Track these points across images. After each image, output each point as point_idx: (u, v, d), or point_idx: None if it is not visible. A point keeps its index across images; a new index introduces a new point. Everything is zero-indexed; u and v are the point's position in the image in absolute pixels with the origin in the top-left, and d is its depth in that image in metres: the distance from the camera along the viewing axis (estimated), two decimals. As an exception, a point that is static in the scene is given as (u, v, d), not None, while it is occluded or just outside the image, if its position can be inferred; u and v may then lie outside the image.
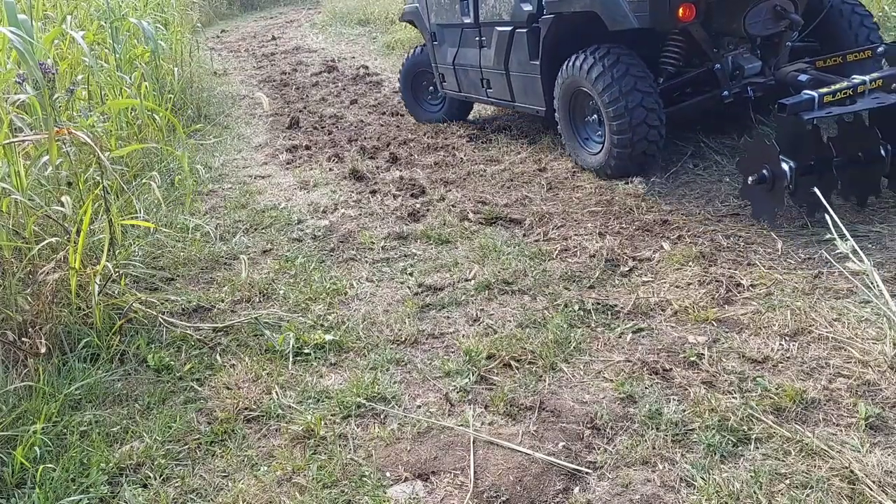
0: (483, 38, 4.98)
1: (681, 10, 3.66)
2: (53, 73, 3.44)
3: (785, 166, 3.23)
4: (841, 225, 2.55)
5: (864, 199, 3.45)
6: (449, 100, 6.08)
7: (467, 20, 5.06)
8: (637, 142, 3.96)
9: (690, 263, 3.32)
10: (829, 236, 3.20)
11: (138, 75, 5.60)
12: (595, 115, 4.25)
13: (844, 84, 3.43)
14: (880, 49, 3.91)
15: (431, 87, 6.25)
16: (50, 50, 4.29)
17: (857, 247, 2.44)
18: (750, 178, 3.36)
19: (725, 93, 4.05)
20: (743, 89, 4.05)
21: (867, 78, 3.43)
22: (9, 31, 2.90)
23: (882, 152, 3.22)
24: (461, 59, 5.35)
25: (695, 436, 2.27)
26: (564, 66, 4.31)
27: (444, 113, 6.25)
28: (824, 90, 3.36)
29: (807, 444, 2.16)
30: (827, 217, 2.61)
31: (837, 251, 2.99)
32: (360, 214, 4.49)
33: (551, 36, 4.39)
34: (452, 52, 5.43)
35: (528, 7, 4.48)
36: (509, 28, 4.70)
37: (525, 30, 4.58)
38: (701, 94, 4.19)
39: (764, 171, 3.30)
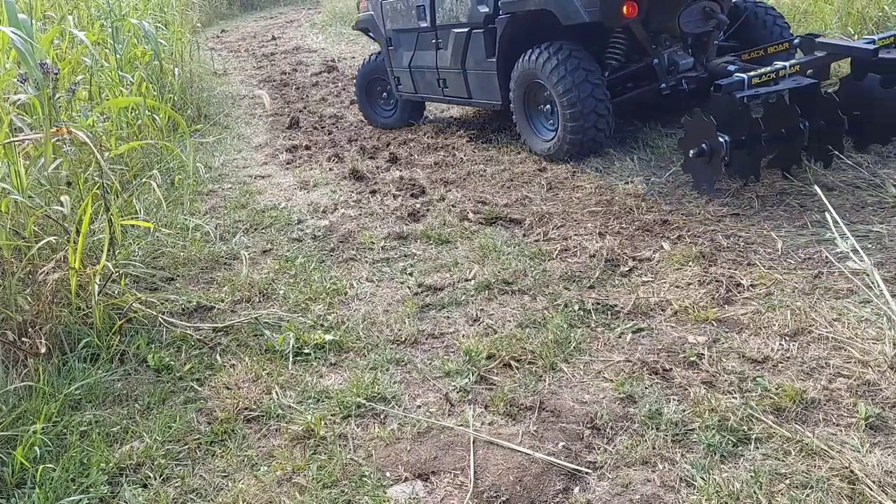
0: (440, 41, 5.30)
1: (625, 8, 4.11)
2: (55, 73, 3.44)
3: (721, 140, 3.64)
4: (842, 224, 2.55)
5: (788, 168, 3.88)
6: (401, 106, 6.38)
7: (423, 24, 5.36)
8: (588, 128, 4.39)
9: (690, 263, 3.32)
10: (829, 235, 3.21)
11: (138, 75, 5.60)
12: (548, 106, 4.62)
13: (769, 68, 3.89)
14: (796, 41, 4.42)
15: (385, 94, 6.51)
16: (49, 50, 4.29)
17: (857, 246, 2.44)
18: (691, 152, 3.77)
19: (663, 85, 4.50)
20: (678, 82, 4.50)
21: (787, 63, 3.94)
22: (9, 30, 2.89)
23: (801, 127, 3.66)
24: (417, 61, 5.64)
25: (695, 436, 2.27)
26: (520, 61, 4.67)
27: (395, 119, 6.52)
28: (752, 73, 3.85)
29: (807, 444, 2.16)
30: (828, 216, 2.61)
31: (838, 250, 2.99)
32: (360, 214, 4.49)
33: (507, 35, 4.74)
34: (409, 55, 5.73)
35: (484, 9, 4.81)
36: (466, 29, 5.02)
37: (482, 30, 4.91)
38: (641, 87, 4.63)
39: (703, 145, 3.71)
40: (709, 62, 4.55)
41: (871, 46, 3.86)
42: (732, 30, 4.84)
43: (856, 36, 5.86)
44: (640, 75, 4.64)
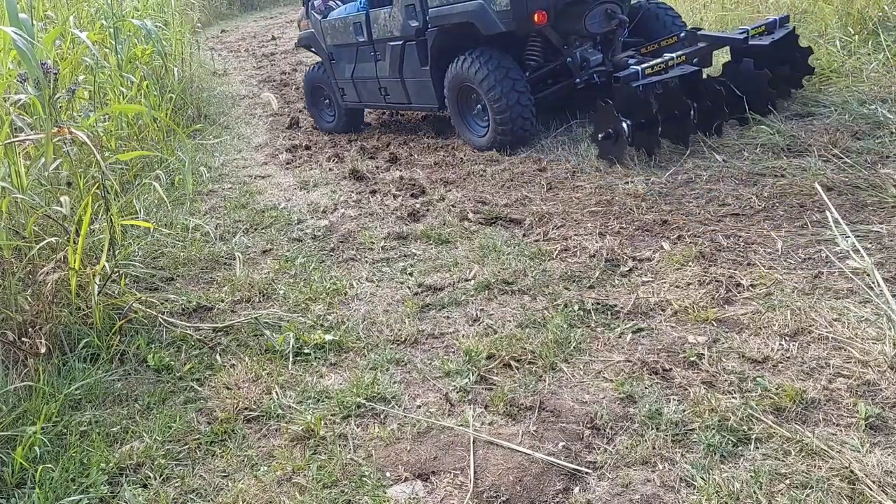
0: (377, 53, 5.81)
1: (536, 16, 4.67)
2: (55, 73, 3.44)
3: (623, 124, 4.32)
4: (842, 222, 2.55)
5: (685, 142, 4.50)
6: (340, 114, 6.72)
7: (362, 39, 5.86)
8: (514, 122, 4.90)
9: (690, 263, 3.32)
10: (829, 234, 3.22)
11: (138, 75, 5.60)
12: (479, 105, 5.12)
13: (659, 59, 4.53)
14: (682, 35, 4.97)
15: (327, 101, 6.84)
16: (51, 50, 4.29)
17: (857, 244, 2.44)
18: (600, 135, 4.49)
19: (577, 80, 5.03)
20: (590, 77, 5.03)
21: (674, 55, 4.56)
22: (11, 30, 2.89)
23: (689, 107, 4.34)
24: (359, 73, 6.11)
25: (695, 436, 2.27)
26: (451, 67, 5.18)
27: (335, 125, 6.82)
28: (645, 65, 4.47)
29: (807, 444, 2.16)
30: (828, 214, 2.61)
31: (838, 249, 3.00)
32: (360, 214, 4.49)
33: (437, 45, 5.27)
34: (350, 67, 6.19)
35: (415, 23, 5.30)
36: (400, 42, 5.51)
37: (414, 42, 5.41)
38: (558, 83, 5.20)
39: (609, 130, 4.40)
40: (614, 57, 5.04)
41: (743, 36, 4.61)
42: (634, 27, 5.38)
43: (856, 37, 5.86)
44: (558, 73, 5.19)
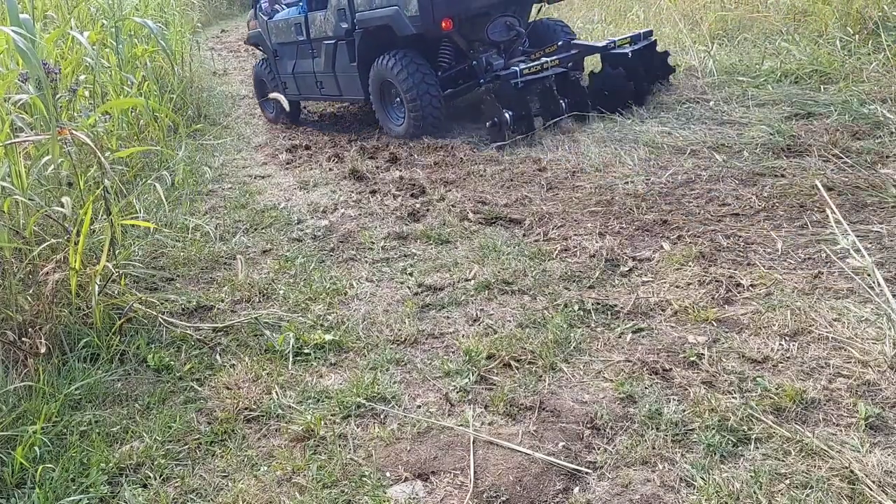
0: (314, 51, 6.56)
1: (443, 23, 5.40)
2: (56, 73, 3.44)
3: (506, 115, 5.21)
4: (842, 220, 2.55)
5: (557, 126, 5.38)
6: (280, 106, 7.17)
7: (301, 38, 6.62)
8: (425, 114, 5.64)
9: (690, 263, 3.32)
10: (829, 232, 3.22)
11: (139, 75, 5.60)
12: (398, 98, 5.85)
13: (537, 62, 5.43)
14: (560, 42, 5.88)
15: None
16: (52, 50, 4.30)
17: (857, 243, 2.44)
18: (487, 123, 5.39)
19: (482, 81, 5.64)
20: (494, 78, 5.63)
21: (549, 59, 5.47)
22: (12, 31, 2.89)
23: (563, 104, 5.33)
24: (299, 68, 6.87)
25: (695, 436, 2.27)
26: (374, 65, 5.89)
27: (275, 116, 7.58)
28: (523, 66, 5.31)
29: (807, 444, 2.16)
30: (828, 212, 2.61)
31: (838, 247, 3.00)
32: (360, 214, 4.49)
33: (363, 44, 6.01)
34: (292, 63, 6.95)
35: (345, 25, 6.05)
36: (333, 41, 6.26)
37: (344, 42, 6.15)
38: (466, 83, 5.98)
39: (495, 119, 5.30)
40: (510, 61, 5.85)
41: (604, 44, 5.62)
42: (536, 37, 6.30)
43: (856, 36, 5.87)
44: (466, 73, 5.96)
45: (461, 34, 5.72)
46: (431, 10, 5.27)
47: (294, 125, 7.29)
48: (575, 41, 5.74)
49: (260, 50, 7.58)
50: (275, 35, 7.02)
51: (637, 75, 5.56)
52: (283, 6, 7.23)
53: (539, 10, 6.49)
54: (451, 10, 5.38)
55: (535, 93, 5.37)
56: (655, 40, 5.89)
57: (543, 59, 5.46)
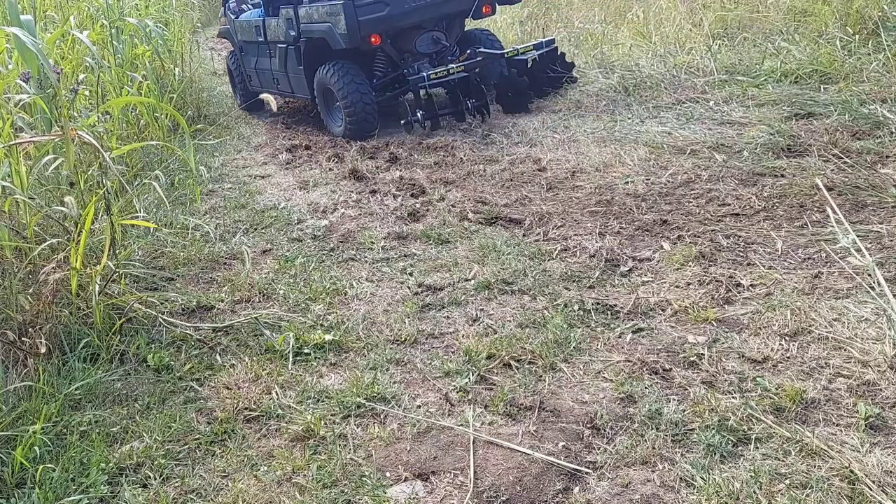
0: (271, 51, 7.13)
1: (372, 38, 5.98)
2: (58, 73, 3.44)
3: (419, 114, 5.99)
4: (843, 218, 2.55)
5: (461, 121, 6.10)
6: (245, 95, 8.10)
7: (260, 39, 7.19)
8: (359, 119, 6.17)
9: (690, 263, 3.32)
10: (830, 230, 3.22)
11: (140, 74, 5.60)
12: (338, 103, 6.35)
13: (442, 69, 6.02)
14: (469, 51, 6.48)
15: (239, 81, 8.25)
16: (52, 50, 4.30)
17: (858, 241, 2.44)
18: (402, 121, 6.07)
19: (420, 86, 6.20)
20: (452, 74, 6.20)
21: (454, 66, 6.08)
22: (19, 31, 2.89)
23: (468, 104, 6.01)
24: (259, 65, 7.45)
25: (695, 436, 2.27)
26: (317, 73, 6.42)
27: (241, 102, 8.24)
28: (431, 72, 5.98)
29: (807, 444, 2.16)
30: (828, 210, 2.61)
31: (839, 246, 3.00)
32: (359, 214, 4.49)
33: (307, 51, 6.53)
34: (254, 60, 7.54)
35: (293, 32, 6.56)
36: (285, 45, 6.79)
37: (293, 47, 6.67)
38: (400, 89, 6.52)
39: (409, 118, 6.03)
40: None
41: (502, 52, 6.35)
42: (467, 47, 6.86)
43: (856, 36, 5.87)
44: (399, 80, 6.54)
45: (394, 46, 6.41)
46: (358, 28, 5.89)
47: (291, 126, 7.29)
48: (480, 49, 6.45)
49: (231, 42, 8.26)
50: (240, 33, 7.61)
51: (538, 79, 6.38)
52: (250, 6, 7.76)
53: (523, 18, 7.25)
54: (377, 27, 5.97)
55: (446, 97, 6.28)
56: (556, 47, 6.68)
57: (450, 66, 6.10)
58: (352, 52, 6.16)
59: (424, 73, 6.00)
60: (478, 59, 6.21)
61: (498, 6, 6.86)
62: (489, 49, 6.62)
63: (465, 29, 7.01)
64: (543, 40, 6.65)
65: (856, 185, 3.80)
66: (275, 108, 4.44)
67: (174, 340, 3.12)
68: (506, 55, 6.27)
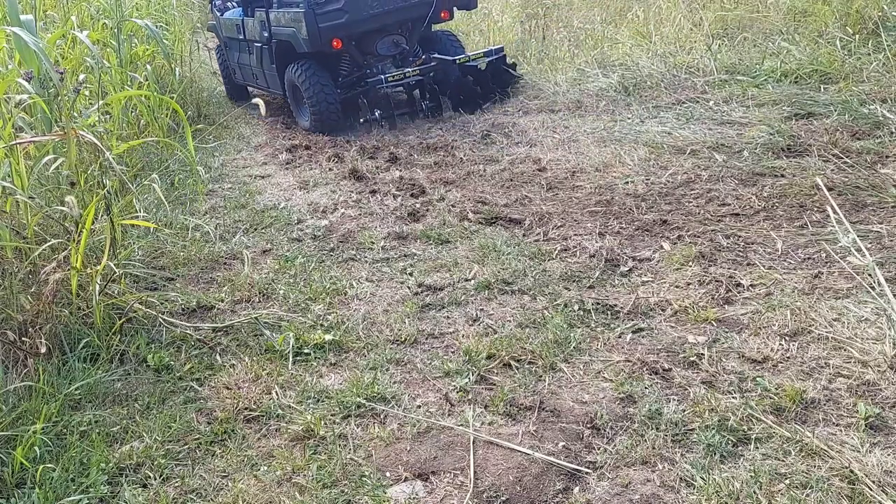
0: (249, 49, 7.65)
1: (333, 42, 6.41)
2: (61, 73, 3.44)
3: (376, 113, 6.51)
4: (843, 216, 2.55)
5: (413, 119, 6.67)
6: (230, 86, 8.81)
7: (241, 37, 7.72)
8: (323, 115, 6.65)
9: (690, 263, 3.32)
10: (830, 229, 3.22)
11: (140, 74, 5.60)
12: (305, 100, 6.80)
13: (399, 72, 6.53)
14: (423, 56, 6.99)
15: (225, 73, 8.93)
16: (53, 50, 4.29)
17: (858, 240, 2.44)
18: (362, 119, 6.59)
19: (378, 86, 6.63)
20: (408, 77, 6.71)
21: (409, 69, 6.59)
22: (22, 31, 2.89)
23: (423, 105, 6.68)
24: (241, 60, 8.04)
25: (695, 436, 2.27)
26: (287, 71, 6.91)
27: (228, 92, 8.90)
28: (388, 75, 6.47)
29: (807, 444, 2.16)
30: (828, 209, 2.61)
31: (839, 244, 3.00)
32: (359, 214, 4.49)
33: (278, 52, 7.05)
34: (236, 55, 8.11)
35: (265, 33, 7.08)
36: (260, 45, 7.31)
37: (266, 47, 7.18)
38: (362, 88, 6.82)
39: (368, 116, 6.54)
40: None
41: (453, 58, 6.67)
42: (431, 48, 7.33)
43: (856, 36, 5.86)
44: (363, 80, 6.90)
45: (357, 48, 6.88)
46: (318, 34, 6.34)
47: (291, 126, 7.30)
48: (434, 55, 6.90)
49: (217, 36, 8.88)
50: (224, 29, 8.18)
51: (487, 83, 6.90)
52: (234, 4, 8.22)
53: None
54: (336, 32, 6.42)
55: (403, 96, 6.82)
56: (505, 55, 7.09)
57: (406, 70, 6.62)
58: (317, 54, 6.59)
59: (382, 76, 6.47)
60: (432, 64, 6.73)
61: (457, 10, 7.36)
62: (446, 53, 7.08)
63: (434, 30, 7.44)
64: (493, 48, 7.02)
65: (856, 185, 3.80)
66: (263, 112, 4.44)
67: (174, 340, 3.12)
68: (457, 61, 6.66)
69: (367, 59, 6.94)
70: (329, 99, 6.60)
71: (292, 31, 6.56)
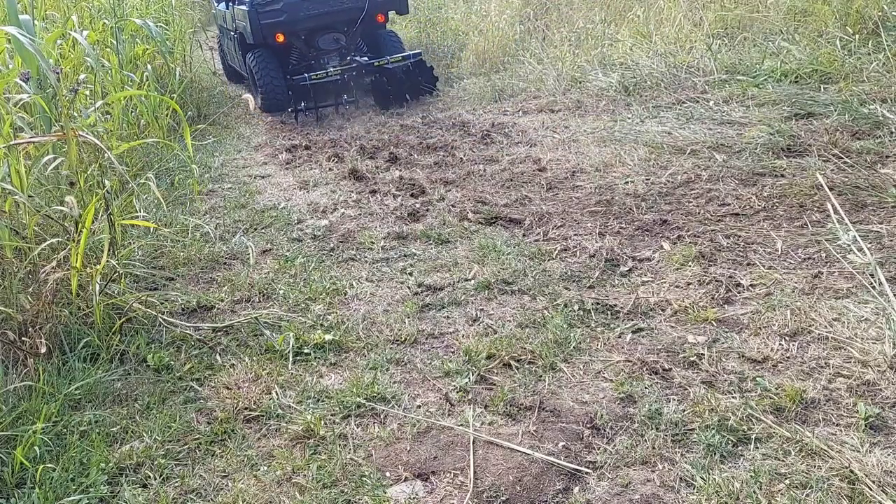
0: (231, 36, 8.80)
1: (277, 37, 7.61)
2: (57, 73, 3.43)
3: (302, 105, 7.35)
4: (843, 214, 2.55)
5: (336, 111, 7.53)
6: (227, 69, 10.06)
7: (226, 25, 8.97)
8: (269, 96, 7.74)
9: (690, 263, 3.32)
10: (830, 227, 3.22)
11: (140, 74, 5.60)
12: (257, 82, 7.87)
13: (323, 71, 7.45)
14: (349, 58, 7.84)
15: (223, 59, 10.19)
16: (53, 50, 4.29)
17: (858, 238, 2.44)
18: (289, 109, 7.44)
19: (325, 75, 7.50)
20: (354, 75, 7.59)
21: (332, 69, 7.48)
22: (19, 33, 2.89)
23: (343, 100, 7.46)
24: (228, 46, 9.25)
25: (695, 436, 2.27)
26: (245, 59, 8.13)
27: (224, 73, 10.13)
28: (312, 74, 7.34)
29: (807, 444, 2.16)
30: (829, 206, 2.61)
31: (839, 242, 3.00)
32: (359, 214, 4.49)
33: (241, 41, 8.19)
34: (226, 41, 9.40)
35: (233, 24, 8.35)
36: (234, 33, 8.51)
37: (237, 35, 8.35)
38: (289, 82, 7.77)
39: (294, 107, 7.35)
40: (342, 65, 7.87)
41: (368, 62, 7.60)
42: (374, 45, 8.39)
43: (856, 36, 5.87)
44: (310, 69, 7.79)
45: (305, 43, 7.90)
46: (260, 29, 7.52)
47: (291, 126, 7.30)
48: (355, 58, 7.80)
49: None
50: (218, 18, 9.43)
51: (402, 84, 7.60)
52: None
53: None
54: (276, 29, 7.53)
55: (323, 92, 7.49)
56: (423, 59, 7.85)
57: (329, 69, 7.48)
58: (270, 45, 7.75)
59: (306, 74, 7.34)
60: (353, 65, 7.62)
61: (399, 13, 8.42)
62: (387, 53, 8.01)
63: (385, 28, 8.48)
64: (411, 52, 7.83)
65: (856, 185, 3.80)
66: (251, 108, 4.47)
67: (174, 340, 3.12)
68: (375, 64, 7.53)
69: (312, 52, 7.93)
70: (275, 83, 7.70)
71: (244, 25, 7.77)
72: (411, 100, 7.65)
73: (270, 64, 7.76)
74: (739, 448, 2.20)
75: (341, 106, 7.49)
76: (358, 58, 7.80)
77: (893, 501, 1.92)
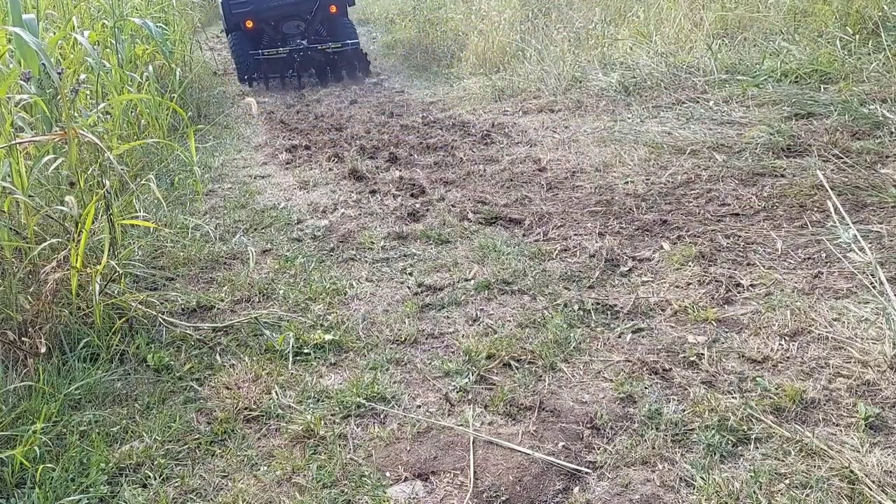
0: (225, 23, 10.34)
1: (246, 23, 9.52)
2: (59, 73, 3.43)
3: (254, 76, 9.37)
4: (843, 212, 2.55)
5: (284, 84, 9.53)
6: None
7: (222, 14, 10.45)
8: (242, 70, 9.46)
9: (690, 263, 3.32)
10: (830, 226, 3.22)
11: (140, 74, 5.60)
12: (233, 58, 9.69)
13: (273, 50, 9.22)
14: (298, 42, 9.65)
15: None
16: (54, 50, 4.29)
17: (859, 236, 2.44)
18: (245, 76, 9.40)
19: (286, 56, 9.28)
20: (299, 56, 9.34)
21: (281, 49, 9.26)
22: (23, 32, 2.88)
23: (288, 74, 9.40)
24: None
25: (695, 436, 2.27)
26: (227, 39, 10.15)
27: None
28: (265, 51, 9.27)
29: (807, 444, 2.16)
30: (830, 207, 2.61)
31: (839, 240, 3.00)
32: (359, 214, 4.49)
33: (225, 27, 10.12)
34: (225, 28, 10.76)
35: (221, 10, 10.03)
36: (223, 22, 10.25)
37: (224, 23, 10.06)
38: (281, 54, 9.40)
39: (248, 77, 9.38)
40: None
41: (312, 45, 9.41)
42: (333, 31, 10.02)
43: (856, 37, 5.87)
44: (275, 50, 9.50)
45: (273, 28, 9.64)
46: (231, 18, 9.47)
47: (291, 126, 7.30)
48: (301, 42, 9.49)
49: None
50: (220, 8, 10.52)
51: (338, 66, 9.49)
52: None
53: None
54: (245, 17, 9.40)
55: (276, 66, 9.28)
56: (359, 48, 9.64)
57: (279, 49, 9.24)
58: (243, 30, 9.62)
59: (260, 51, 9.21)
60: (299, 48, 9.29)
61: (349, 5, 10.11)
62: (342, 38, 9.60)
63: (342, 16, 10.04)
64: (349, 42, 9.55)
65: (856, 185, 3.81)
66: (255, 112, 4.43)
67: (174, 340, 3.12)
68: (318, 48, 9.29)
69: (279, 36, 9.70)
70: (246, 60, 9.42)
71: (223, 14, 9.80)
72: (347, 79, 9.53)
73: (244, 45, 9.57)
74: (739, 448, 2.20)
75: (286, 78, 9.35)
76: (303, 42, 9.59)
77: (893, 501, 1.92)
